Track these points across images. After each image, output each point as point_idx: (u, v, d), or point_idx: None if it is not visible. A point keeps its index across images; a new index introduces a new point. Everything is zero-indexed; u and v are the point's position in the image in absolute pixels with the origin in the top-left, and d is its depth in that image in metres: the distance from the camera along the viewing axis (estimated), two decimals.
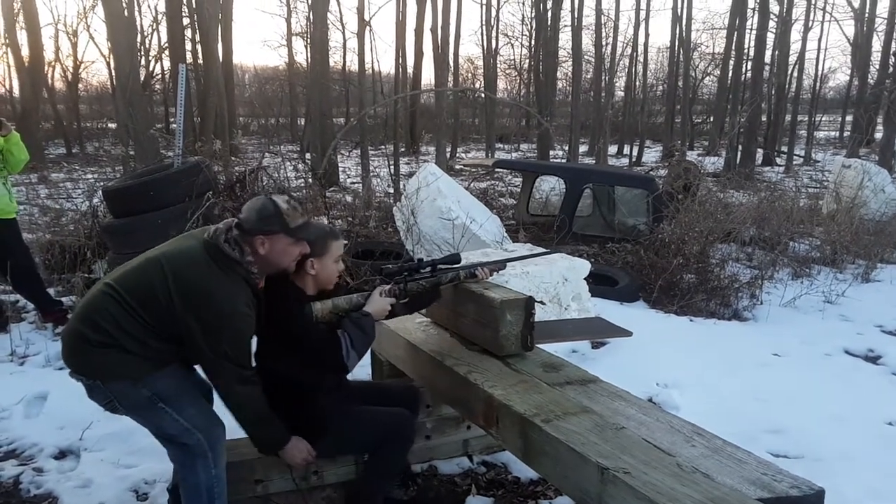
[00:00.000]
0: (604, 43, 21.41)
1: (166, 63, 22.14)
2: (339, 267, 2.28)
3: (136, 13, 18.63)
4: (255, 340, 2.22)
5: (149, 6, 24.47)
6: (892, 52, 17.82)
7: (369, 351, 3.05)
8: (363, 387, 2.61)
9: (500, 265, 2.52)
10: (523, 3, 27.79)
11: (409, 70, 21.47)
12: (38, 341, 4.26)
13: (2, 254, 4.28)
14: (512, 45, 31.21)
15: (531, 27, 25.82)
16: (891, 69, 17.10)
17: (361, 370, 3.36)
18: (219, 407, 2.41)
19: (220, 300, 1.95)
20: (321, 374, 2.24)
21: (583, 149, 20.80)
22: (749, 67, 19.04)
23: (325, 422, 2.26)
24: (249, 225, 2.04)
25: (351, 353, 2.15)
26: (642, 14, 23.19)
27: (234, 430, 2.76)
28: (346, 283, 2.37)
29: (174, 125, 7.78)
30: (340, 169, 13.95)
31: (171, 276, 1.97)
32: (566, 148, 17.78)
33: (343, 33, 23.34)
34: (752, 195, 8.84)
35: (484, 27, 24.77)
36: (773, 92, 19.21)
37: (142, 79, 16.58)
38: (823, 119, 31.33)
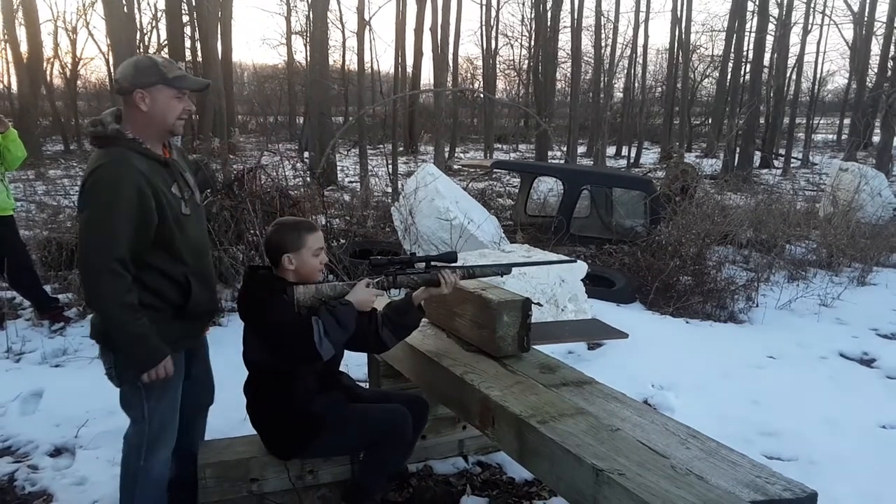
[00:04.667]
0: (603, 44, 21.49)
1: None
2: (322, 259, 2.20)
3: (136, 10, 18.57)
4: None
5: (148, 3, 24.55)
6: (890, 56, 17.86)
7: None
8: (368, 394, 2.56)
9: (504, 269, 2.40)
10: (523, 4, 27.96)
11: (409, 69, 21.50)
12: (34, 338, 4.26)
13: None
14: (511, 46, 31.39)
15: (531, 28, 25.89)
16: (889, 73, 17.13)
17: (358, 370, 3.36)
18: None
19: (102, 177, 1.90)
20: (296, 362, 2.15)
21: (581, 150, 20.84)
22: (748, 70, 19.11)
23: (319, 417, 2.23)
24: (128, 81, 1.99)
25: (324, 340, 2.07)
26: (642, 16, 23.30)
27: (227, 430, 2.77)
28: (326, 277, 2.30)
29: None
30: (339, 168, 13.95)
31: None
32: (564, 149, 17.82)
33: (343, 32, 23.39)
34: (750, 198, 8.88)
35: (483, 27, 24.89)
36: (772, 94, 19.26)
37: None
38: (821, 122, 31.43)
